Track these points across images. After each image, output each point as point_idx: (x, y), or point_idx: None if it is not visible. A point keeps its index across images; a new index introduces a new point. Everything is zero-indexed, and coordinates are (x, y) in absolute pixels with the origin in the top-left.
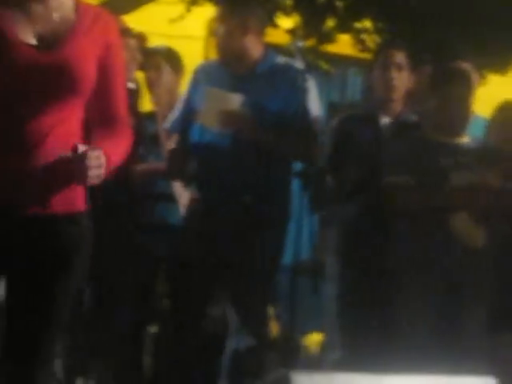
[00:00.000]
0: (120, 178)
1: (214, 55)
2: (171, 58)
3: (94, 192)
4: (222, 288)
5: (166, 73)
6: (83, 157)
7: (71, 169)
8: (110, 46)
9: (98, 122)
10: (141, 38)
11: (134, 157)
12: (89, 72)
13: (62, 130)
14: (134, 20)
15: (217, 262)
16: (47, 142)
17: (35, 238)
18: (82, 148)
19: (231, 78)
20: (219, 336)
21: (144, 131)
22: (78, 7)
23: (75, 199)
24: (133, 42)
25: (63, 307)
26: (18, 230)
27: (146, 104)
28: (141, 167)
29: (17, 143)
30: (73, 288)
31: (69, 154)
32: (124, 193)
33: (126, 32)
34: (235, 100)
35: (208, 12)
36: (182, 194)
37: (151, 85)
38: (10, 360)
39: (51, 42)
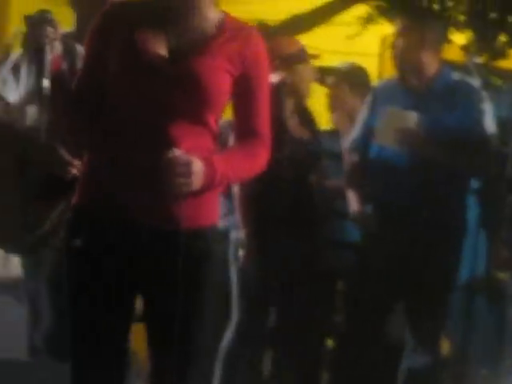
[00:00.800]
0: (306, 194)
1: (388, 72)
2: (352, 76)
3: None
4: (399, 304)
5: (346, 91)
6: (169, 162)
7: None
8: (249, 61)
9: (236, 136)
10: (315, 56)
11: (317, 174)
12: (218, 87)
13: (191, 143)
14: (311, 38)
15: (394, 278)
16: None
17: (161, 253)
18: (175, 153)
19: (409, 96)
20: (395, 353)
21: (322, 149)
22: (222, 22)
23: (203, 213)
24: (308, 62)
25: (199, 323)
26: (146, 244)
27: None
28: (326, 184)
29: (145, 153)
30: (202, 305)
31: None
32: (310, 210)
33: (301, 52)
34: (412, 118)
35: (383, 29)
36: (356, 208)
37: (331, 103)
38: (161, 370)
39: (183, 55)
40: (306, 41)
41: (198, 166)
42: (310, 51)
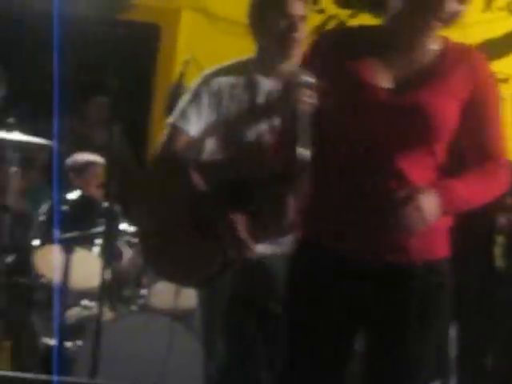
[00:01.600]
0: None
1: None
2: None
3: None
4: None
5: None
6: (405, 199)
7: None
8: (478, 84)
9: (472, 161)
10: (504, 81)
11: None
12: (446, 115)
13: (418, 174)
14: (503, 62)
15: None
16: (399, 186)
17: (392, 289)
18: (410, 190)
19: None
20: None
21: None
22: (443, 48)
23: (434, 245)
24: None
25: (422, 360)
26: (374, 280)
27: None
28: None
29: (372, 188)
30: (433, 340)
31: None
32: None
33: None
34: None
35: None
36: None
37: None
38: None
39: (409, 85)
40: (497, 66)
41: (433, 200)
42: (501, 76)
